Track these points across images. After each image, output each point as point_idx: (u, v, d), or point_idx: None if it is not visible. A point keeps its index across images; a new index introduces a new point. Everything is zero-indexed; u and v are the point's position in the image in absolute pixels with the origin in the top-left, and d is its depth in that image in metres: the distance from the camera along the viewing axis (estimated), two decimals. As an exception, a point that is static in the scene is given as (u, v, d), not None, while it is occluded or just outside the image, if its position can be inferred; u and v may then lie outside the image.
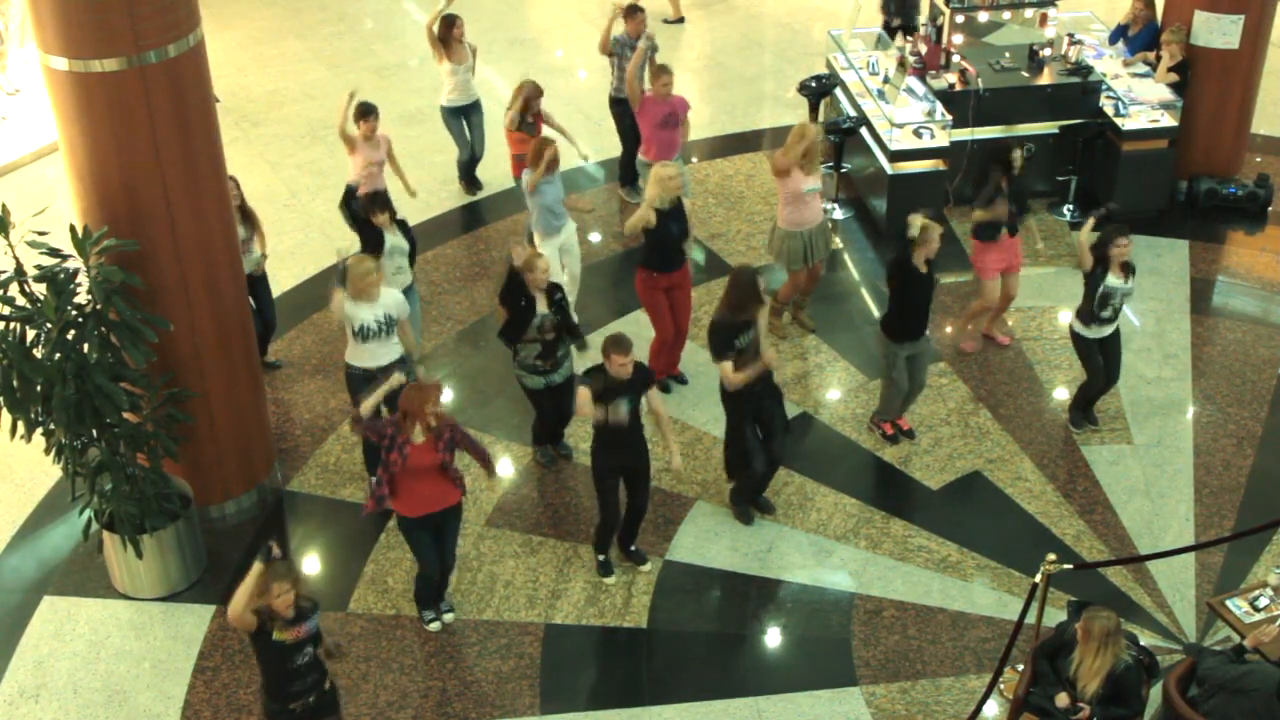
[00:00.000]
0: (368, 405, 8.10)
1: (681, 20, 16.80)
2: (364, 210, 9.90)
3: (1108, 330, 9.81)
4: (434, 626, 8.61)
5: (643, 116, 11.63)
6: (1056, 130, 12.57)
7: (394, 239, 9.87)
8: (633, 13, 12.23)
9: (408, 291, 9.99)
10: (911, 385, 9.92)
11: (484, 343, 11.16)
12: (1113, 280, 9.55)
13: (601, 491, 8.71)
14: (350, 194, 11.02)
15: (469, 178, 13.09)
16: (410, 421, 7.83)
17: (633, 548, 9.11)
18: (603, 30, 12.37)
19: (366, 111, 10.96)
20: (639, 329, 10.57)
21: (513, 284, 9.17)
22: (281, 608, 6.81)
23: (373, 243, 9.77)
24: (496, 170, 12.98)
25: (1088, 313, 9.72)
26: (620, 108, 12.40)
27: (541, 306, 9.14)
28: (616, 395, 8.35)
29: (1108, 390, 10.16)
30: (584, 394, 8.35)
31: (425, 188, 12.99)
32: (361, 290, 8.81)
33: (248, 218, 10.02)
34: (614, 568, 9.01)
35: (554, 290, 9.23)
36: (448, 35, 12.35)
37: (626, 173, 12.85)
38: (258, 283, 10.26)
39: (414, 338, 10.34)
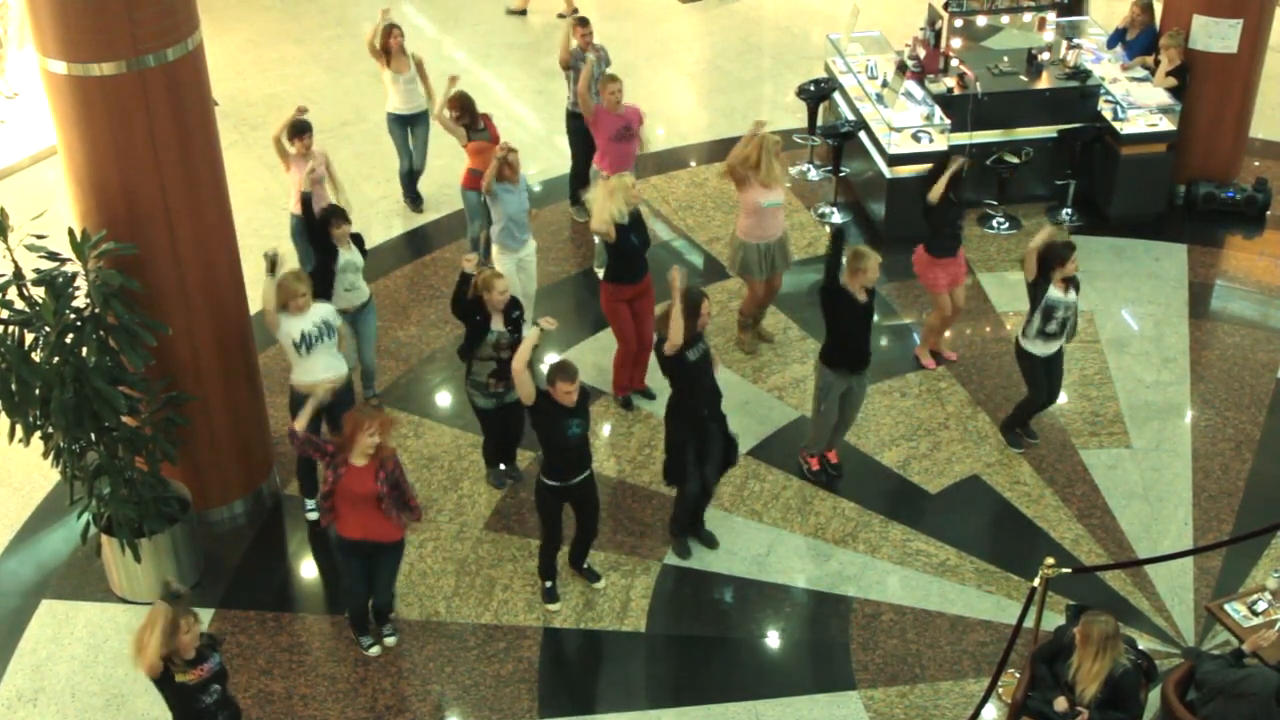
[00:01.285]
0: (303, 418, 8.06)
1: (524, 13, 16.92)
2: (321, 222, 9.62)
3: (1054, 346, 9.61)
4: (374, 651, 8.47)
5: (597, 129, 11.43)
6: (1055, 134, 12.58)
7: (348, 254, 9.71)
8: (581, 24, 12.09)
9: (364, 308, 9.96)
10: (841, 419, 9.62)
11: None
12: (1054, 293, 9.37)
13: (545, 516, 8.55)
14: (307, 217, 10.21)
15: (412, 194, 12.88)
16: (349, 444, 7.74)
17: (585, 565, 9.02)
18: (560, 44, 12.23)
19: (301, 130, 10.65)
20: (601, 348, 10.64)
21: (462, 295, 8.98)
22: (187, 645, 6.69)
23: (326, 259, 9.63)
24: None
25: (1033, 327, 9.52)
26: (576, 122, 12.16)
27: (497, 324, 8.96)
28: (563, 419, 8.17)
29: (1047, 408, 10.05)
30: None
31: (424, 190, 13.00)
32: (292, 308, 8.78)
33: None
34: (559, 595, 8.90)
35: (511, 308, 9.01)
36: (387, 44, 12.11)
37: (576, 190, 12.62)
38: None
39: (369, 357, 10.24)
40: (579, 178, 12.46)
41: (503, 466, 9.83)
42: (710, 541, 9.24)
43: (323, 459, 7.90)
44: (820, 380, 9.44)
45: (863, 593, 8.94)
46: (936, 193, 10.21)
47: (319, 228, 9.67)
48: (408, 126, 12.49)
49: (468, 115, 11.32)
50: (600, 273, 11.60)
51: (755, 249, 10.54)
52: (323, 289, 9.51)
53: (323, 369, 8.99)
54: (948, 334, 11.09)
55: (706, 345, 8.85)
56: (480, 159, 11.23)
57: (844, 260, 9.15)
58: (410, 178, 12.83)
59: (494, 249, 10.57)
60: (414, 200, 12.89)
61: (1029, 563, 8.40)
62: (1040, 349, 9.58)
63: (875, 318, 9.46)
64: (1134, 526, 9.42)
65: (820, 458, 9.81)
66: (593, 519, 8.76)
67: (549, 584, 8.85)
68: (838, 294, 9.11)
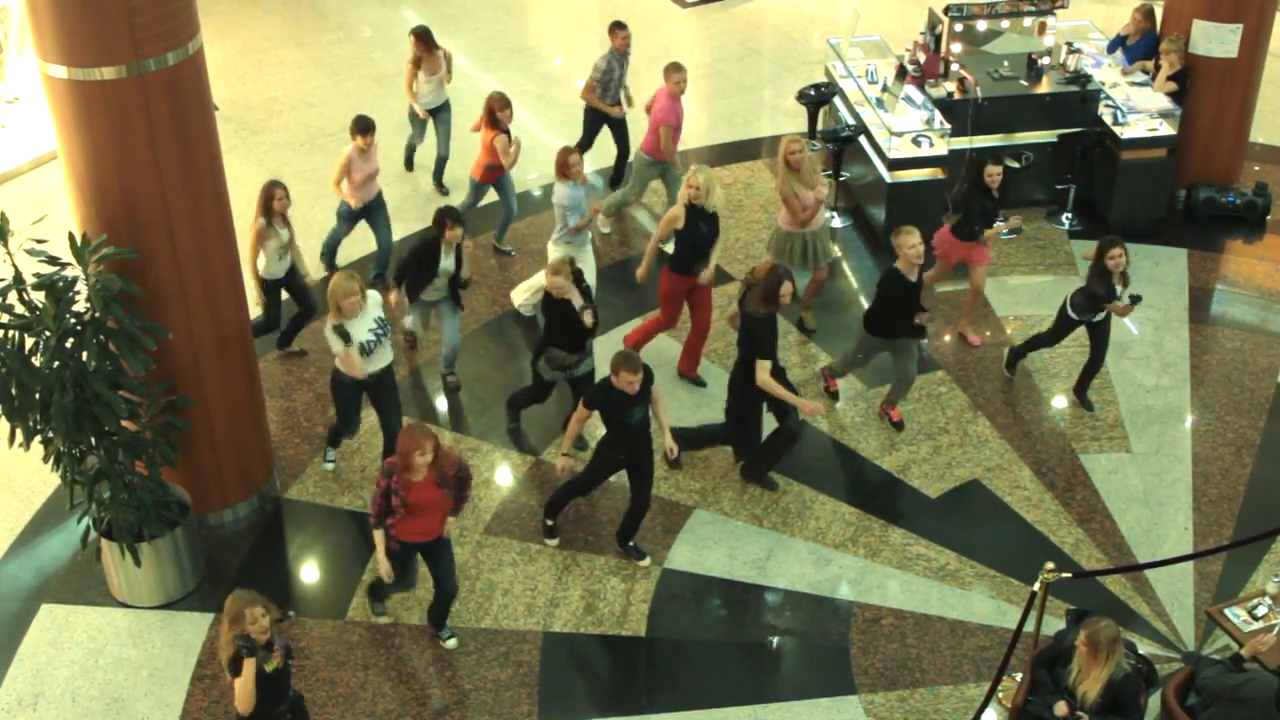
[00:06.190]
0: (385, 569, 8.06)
1: None
2: (436, 224, 9.86)
3: (1099, 314, 10.02)
4: (384, 620, 8.67)
5: (667, 116, 11.76)
6: (1055, 139, 12.58)
7: (447, 261, 9.94)
8: (617, 28, 12.43)
9: (443, 300, 10.20)
10: (900, 376, 10.11)
11: (482, 350, 11.16)
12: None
13: (596, 472, 8.93)
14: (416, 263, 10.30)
15: (436, 178, 13.23)
16: (404, 465, 7.76)
17: (631, 543, 9.14)
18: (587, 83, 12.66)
19: (367, 127, 11.00)
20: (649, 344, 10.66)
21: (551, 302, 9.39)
22: (259, 633, 6.82)
23: (429, 265, 9.95)
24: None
25: (1082, 304, 9.96)
26: (594, 116, 12.74)
27: (576, 300, 9.33)
28: (627, 407, 8.45)
29: (1094, 371, 10.34)
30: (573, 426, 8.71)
31: (426, 194, 13.03)
32: (347, 310, 8.77)
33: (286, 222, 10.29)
34: (559, 534, 9.21)
35: (578, 281, 9.38)
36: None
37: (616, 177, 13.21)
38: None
39: (454, 336, 10.47)
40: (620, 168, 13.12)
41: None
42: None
43: (387, 499, 7.85)
44: (861, 340, 10.12)
45: (863, 597, 8.94)
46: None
47: (434, 227, 9.92)
48: (430, 118, 12.90)
49: (492, 114, 11.65)
50: (603, 225, 12.27)
51: (799, 238, 10.93)
52: (413, 289, 10.06)
53: (372, 362, 9.05)
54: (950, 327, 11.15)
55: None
56: (495, 155, 11.68)
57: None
58: (412, 155, 13.31)
59: (552, 243, 10.89)
60: (434, 183, 13.27)
61: (1029, 567, 8.39)
62: (1085, 317, 10.04)
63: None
64: (1134, 531, 9.42)
65: (886, 414, 10.34)
66: (646, 494, 8.95)
67: (551, 522, 9.17)
68: (890, 273, 9.67)
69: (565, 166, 10.58)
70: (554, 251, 10.76)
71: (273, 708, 7.11)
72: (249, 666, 6.83)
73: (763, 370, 9.18)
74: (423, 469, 7.77)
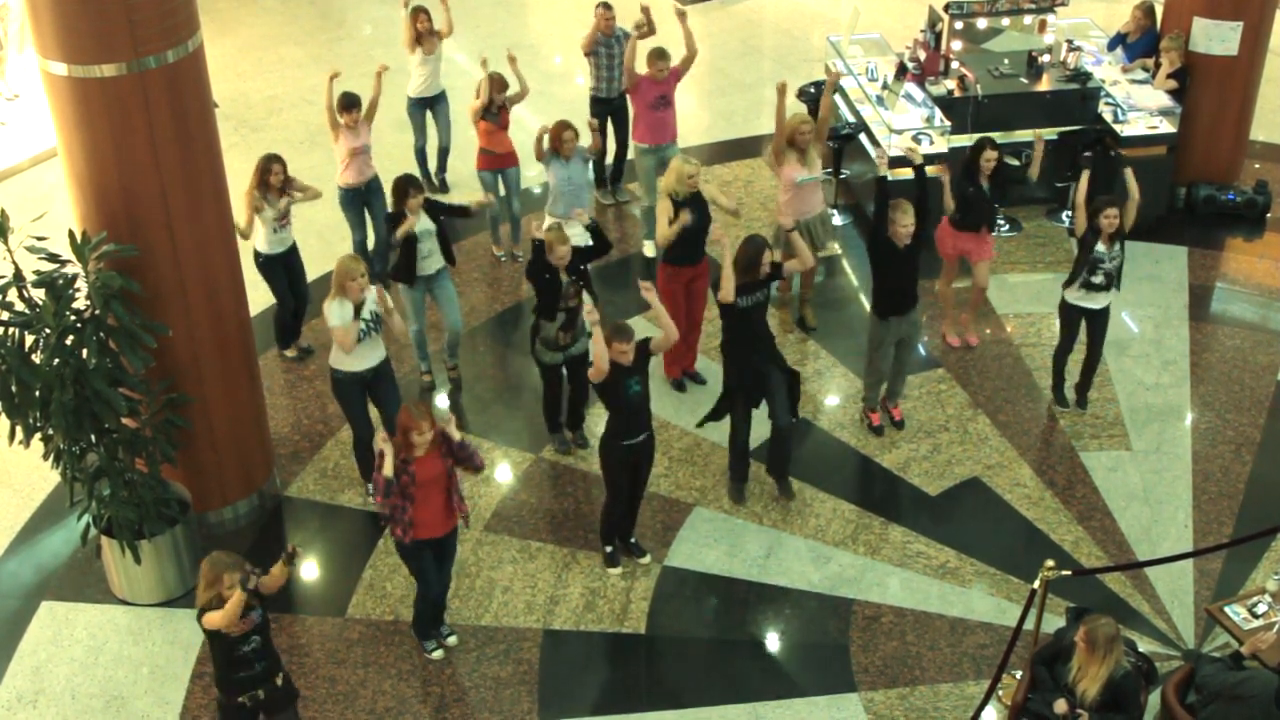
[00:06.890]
0: (388, 468, 7.76)
1: None
2: (398, 194, 9.87)
3: (1098, 301, 9.92)
4: (437, 654, 8.48)
5: (636, 96, 11.90)
6: (1055, 137, 12.57)
7: (422, 223, 9.94)
8: (600, 9, 12.44)
9: (439, 274, 10.19)
10: (897, 364, 10.04)
11: (482, 348, 11.16)
12: (1099, 248, 9.70)
13: (612, 478, 8.78)
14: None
15: (438, 171, 13.23)
16: (405, 446, 7.77)
17: (631, 540, 9.15)
18: (588, 34, 12.51)
19: (350, 104, 11.08)
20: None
21: (539, 259, 9.34)
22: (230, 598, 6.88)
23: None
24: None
25: (1076, 278, 9.87)
26: (599, 107, 12.59)
27: (562, 275, 9.32)
28: (622, 379, 8.43)
29: (1093, 367, 10.29)
30: (599, 344, 8.35)
31: (451, 178, 13.07)
32: (351, 293, 8.79)
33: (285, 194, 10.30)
34: (620, 559, 9.05)
35: (577, 262, 9.38)
36: (416, 29, 12.49)
37: (601, 173, 13.09)
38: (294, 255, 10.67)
39: (455, 319, 10.44)
40: (608, 163, 13.09)
41: (569, 434, 10.11)
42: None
43: (403, 495, 7.83)
44: (871, 333, 9.94)
45: (863, 595, 8.94)
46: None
47: (395, 198, 9.93)
48: (427, 109, 12.90)
49: (493, 102, 11.67)
50: (647, 249, 12.15)
51: (799, 225, 10.74)
52: (406, 261, 9.97)
53: (363, 358, 9.06)
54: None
55: (765, 294, 9.30)
56: (489, 139, 11.76)
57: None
58: (423, 156, 13.19)
59: (546, 218, 10.90)
60: (435, 177, 13.24)
61: (1029, 565, 8.40)
62: (1082, 299, 9.92)
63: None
64: (1134, 529, 9.42)
65: (880, 412, 10.25)
66: (642, 483, 8.94)
67: (610, 549, 9.05)
68: (882, 242, 9.57)
69: (557, 141, 10.71)
70: (546, 219, 10.85)
71: (234, 673, 7.15)
72: (237, 597, 6.85)
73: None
74: (422, 448, 7.77)
